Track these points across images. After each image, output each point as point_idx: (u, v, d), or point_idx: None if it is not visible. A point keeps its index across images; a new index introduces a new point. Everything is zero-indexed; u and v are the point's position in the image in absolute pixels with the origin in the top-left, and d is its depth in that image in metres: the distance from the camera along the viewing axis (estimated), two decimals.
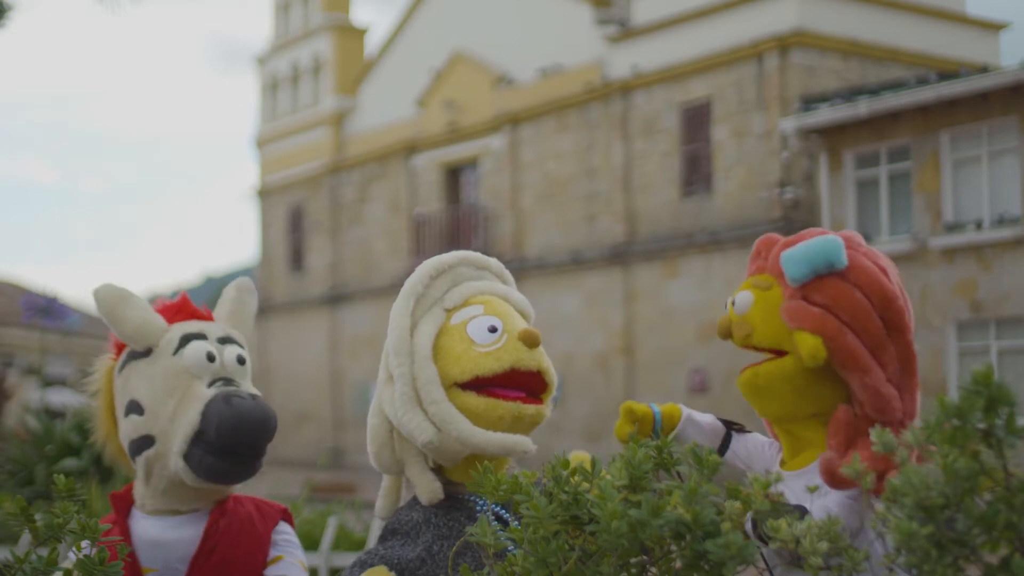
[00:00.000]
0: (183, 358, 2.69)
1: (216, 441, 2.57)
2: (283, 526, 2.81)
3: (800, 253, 2.42)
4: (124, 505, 2.72)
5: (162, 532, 2.67)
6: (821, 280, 2.41)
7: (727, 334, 2.54)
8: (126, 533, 2.66)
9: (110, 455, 2.91)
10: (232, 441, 2.57)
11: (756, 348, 2.51)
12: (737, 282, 2.67)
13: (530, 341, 2.43)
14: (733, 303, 2.52)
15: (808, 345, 2.35)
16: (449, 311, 2.50)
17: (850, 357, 2.37)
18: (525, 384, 2.44)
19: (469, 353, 2.41)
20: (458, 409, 2.39)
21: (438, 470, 2.47)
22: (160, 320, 2.76)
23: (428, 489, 2.40)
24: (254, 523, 2.74)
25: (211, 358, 2.71)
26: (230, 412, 2.57)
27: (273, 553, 2.74)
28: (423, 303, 2.50)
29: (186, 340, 2.72)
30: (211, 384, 2.67)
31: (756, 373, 2.48)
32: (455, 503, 2.42)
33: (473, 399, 2.39)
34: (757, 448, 2.66)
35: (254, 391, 2.72)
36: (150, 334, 2.73)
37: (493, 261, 2.66)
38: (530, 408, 2.42)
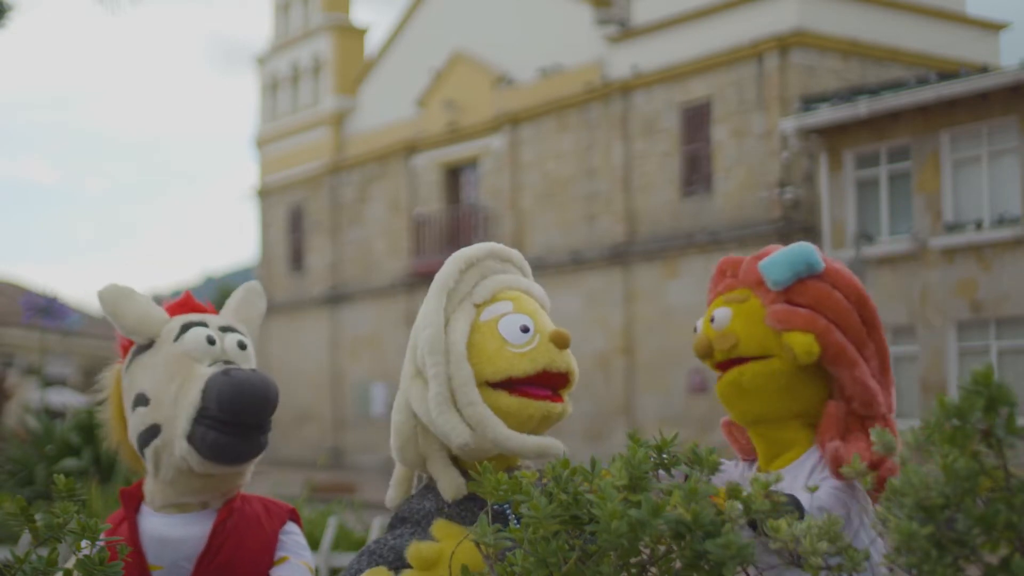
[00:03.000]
0: (183, 343, 2.71)
1: (218, 414, 2.57)
2: (291, 526, 2.80)
3: (781, 258, 2.51)
4: (133, 501, 2.71)
5: (169, 529, 2.66)
6: (802, 283, 2.51)
7: (707, 352, 2.58)
8: (134, 529, 2.65)
9: (125, 460, 2.91)
10: (234, 411, 2.57)
11: (738, 359, 2.54)
12: None
13: (561, 342, 2.46)
14: (712, 320, 2.57)
15: (802, 342, 2.43)
16: (479, 306, 2.51)
17: (840, 352, 2.46)
18: (552, 383, 2.47)
19: (503, 353, 2.42)
20: (490, 407, 2.40)
21: (455, 460, 2.47)
22: (162, 312, 2.80)
23: (453, 486, 2.41)
24: (261, 523, 2.74)
25: (211, 341, 2.73)
26: (230, 383, 2.58)
27: (279, 554, 2.73)
28: (453, 298, 2.51)
29: (186, 327, 2.75)
30: (211, 365, 2.69)
31: (741, 372, 2.51)
32: (469, 494, 2.42)
33: (505, 398, 2.41)
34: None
35: (254, 367, 2.74)
36: (152, 325, 2.75)
37: (515, 253, 2.67)
38: (557, 407, 2.47)
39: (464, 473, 2.43)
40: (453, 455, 2.47)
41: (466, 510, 2.38)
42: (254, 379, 2.61)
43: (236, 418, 2.58)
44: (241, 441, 2.60)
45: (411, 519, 2.42)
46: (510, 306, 2.50)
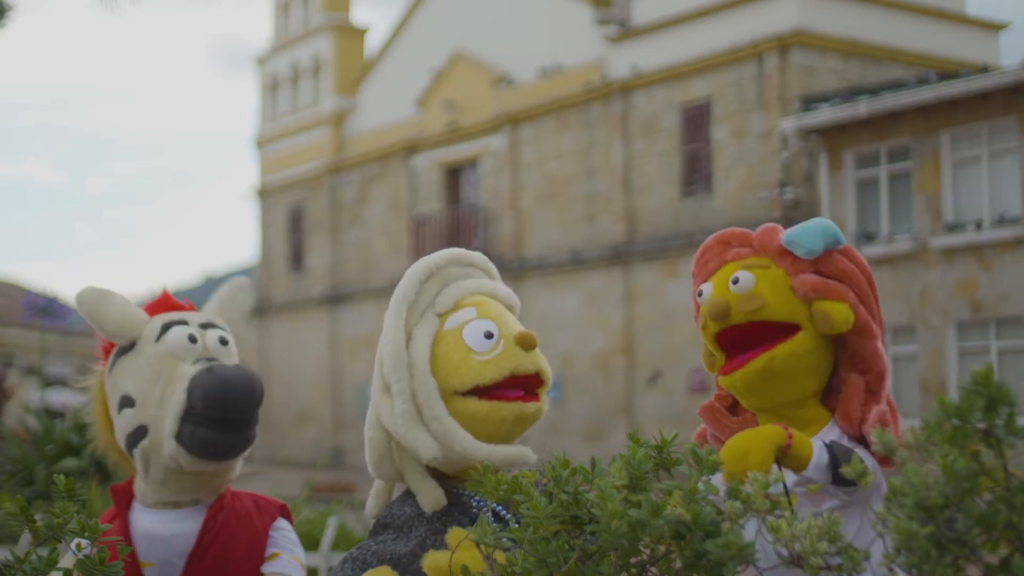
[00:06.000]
0: (165, 343, 2.72)
1: (205, 412, 2.59)
2: (281, 522, 2.81)
3: (812, 229, 2.54)
4: (124, 498, 2.72)
5: (160, 526, 2.67)
6: (829, 255, 2.54)
7: (725, 314, 2.52)
8: (126, 526, 2.66)
9: (112, 461, 2.92)
10: (220, 407, 2.59)
11: (759, 323, 2.51)
12: None
13: (527, 344, 2.44)
14: (735, 281, 2.53)
15: (840, 310, 2.45)
16: (442, 316, 2.49)
17: (867, 324, 2.51)
18: (523, 385, 2.46)
19: (468, 362, 2.41)
20: (461, 415, 2.39)
21: (432, 471, 2.47)
22: (141, 313, 2.81)
23: (431, 498, 2.40)
24: (252, 519, 2.74)
25: (193, 339, 2.74)
26: (213, 379, 2.61)
27: (271, 549, 2.74)
28: (415, 310, 2.49)
29: (167, 327, 2.76)
30: (195, 364, 2.70)
31: (773, 357, 2.47)
32: (449, 498, 2.42)
33: (475, 404, 2.40)
34: None
35: (237, 363, 2.76)
36: (132, 327, 2.77)
37: (477, 256, 2.65)
38: (531, 406, 2.45)
39: (440, 475, 2.44)
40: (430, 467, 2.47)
41: (447, 515, 2.39)
42: (237, 374, 2.64)
43: (223, 414, 2.60)
44: (229, 436, 2.62)
45: (393, 524, 2.42)
46: (473, 312, 2.48)
